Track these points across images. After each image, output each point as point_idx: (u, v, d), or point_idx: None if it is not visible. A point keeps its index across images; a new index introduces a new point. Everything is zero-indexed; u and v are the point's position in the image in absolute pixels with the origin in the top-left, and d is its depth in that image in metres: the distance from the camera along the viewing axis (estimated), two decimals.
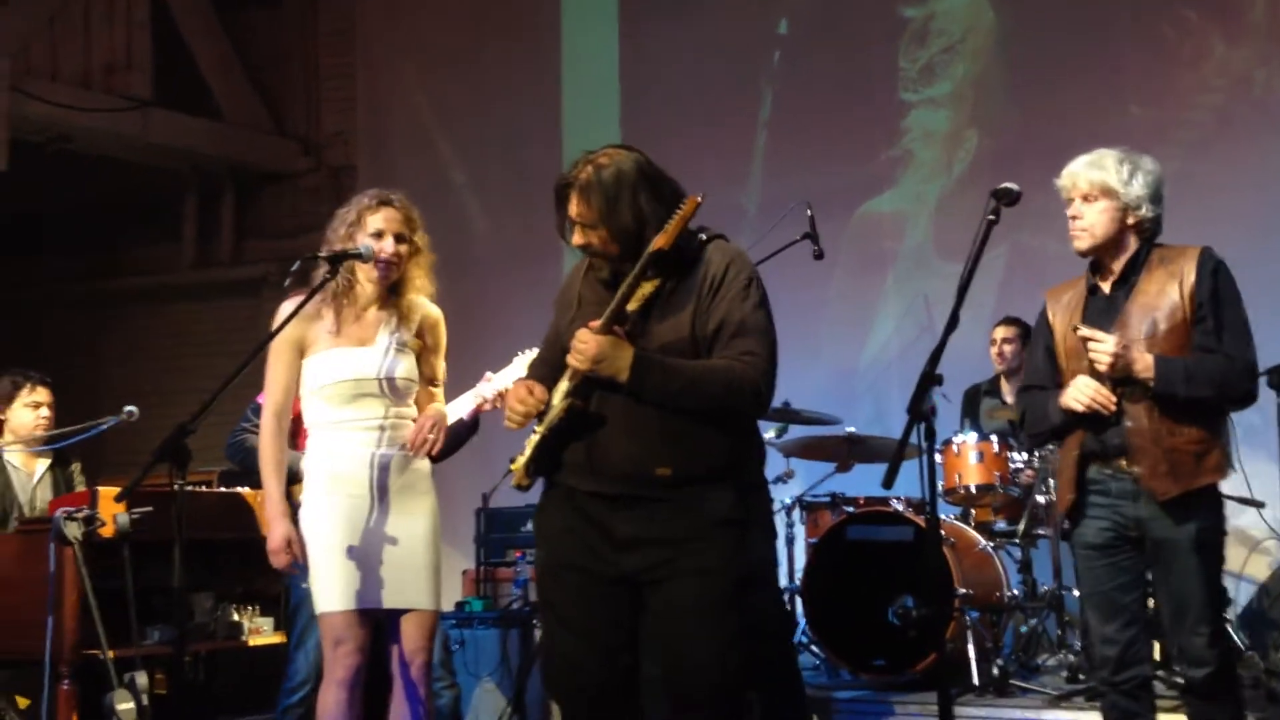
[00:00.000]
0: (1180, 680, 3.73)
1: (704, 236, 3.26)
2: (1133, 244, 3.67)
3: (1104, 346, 3.53)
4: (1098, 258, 3.71)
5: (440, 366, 3.95)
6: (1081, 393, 3.57)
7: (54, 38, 8.67)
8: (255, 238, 9.92)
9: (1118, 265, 3.68)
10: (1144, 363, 3.53)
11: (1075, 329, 3.63)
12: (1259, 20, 7.02)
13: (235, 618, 4.99)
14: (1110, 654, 3.63)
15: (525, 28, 9.04)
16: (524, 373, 3.65)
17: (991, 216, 3.40)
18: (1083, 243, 3.68)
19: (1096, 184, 3.64)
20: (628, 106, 8.57)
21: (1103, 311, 3.68)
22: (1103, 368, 3.54)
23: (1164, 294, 3.60)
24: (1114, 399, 3.56)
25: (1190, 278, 3.59)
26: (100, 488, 4.62)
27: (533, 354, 3.49)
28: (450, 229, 8.81)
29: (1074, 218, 3.68)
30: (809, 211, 5.26)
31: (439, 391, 3.97)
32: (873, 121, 7.90)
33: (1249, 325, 3.65)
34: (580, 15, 8.95)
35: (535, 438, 3.23)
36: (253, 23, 9.90)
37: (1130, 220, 3.65)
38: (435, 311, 3.93)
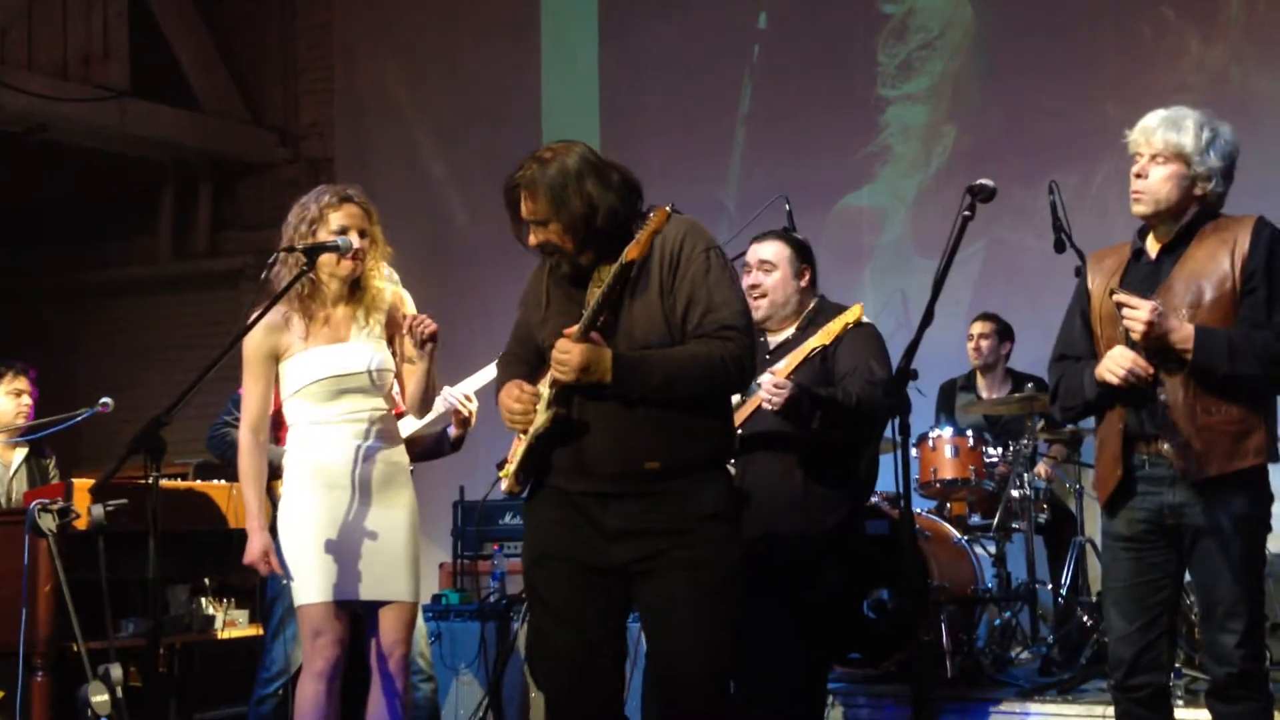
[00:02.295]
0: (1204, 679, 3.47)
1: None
2: (1192, 213, 3.39)
3: (1138, 313, 3.22)
4: (1150, 223, 3.44)
5: None
6: (1117, 364, 3.27)
7: (31, 27, 8.60)
8: (233, 229, 9.86)
9: (1171, 232, 3.40)
10: (1183, 333, 3.23)
11: (1111, 293, 3.33)
12: (1235, 17, 7.06)
13: (210, 610, 4.98)
14: (1125, 655, 3.36)
15: (505, 21, 9.01)
16: (482, 382, 3.61)
17: (967, 212, 3.35)
18: (1143, 207, 3.39)
19: (1171, 146, 3.35)
20: (607, 99, 8.56)
21: (1145, 278, 3.40)
22: (1136, 336, 3.24)
23: (1214, 261, 3.31)
24: (1151, 369, 3.25)
25: (1244, 246, 3.29)
26: (75, 480, 4.61)
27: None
28: (429, 222, 8.82)
29: (1138, 176, 3.38)
30: (787, 206, 5.25)
31: None
32: (851, 117, 7.91)
33: None
34: (560, 8, 8.94)
35: (522, 446, 3.25)
36: (231, 14, 9.85)
37: (1197, 191, 3.36)
38: (399, 291, 3.92)
